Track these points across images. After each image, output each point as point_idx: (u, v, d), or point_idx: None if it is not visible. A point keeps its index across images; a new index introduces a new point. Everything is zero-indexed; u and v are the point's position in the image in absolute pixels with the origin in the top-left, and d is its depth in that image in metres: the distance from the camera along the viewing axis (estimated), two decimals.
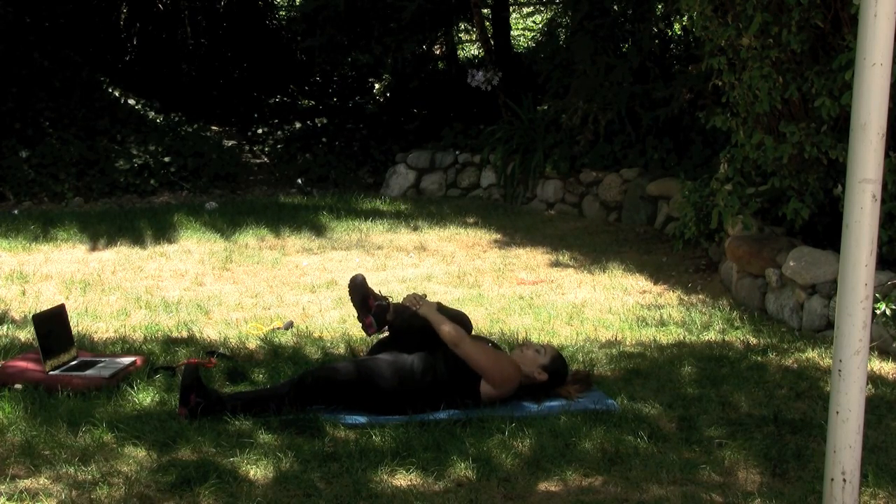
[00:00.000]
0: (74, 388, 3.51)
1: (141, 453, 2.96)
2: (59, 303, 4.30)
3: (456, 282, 5.84)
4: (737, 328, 4.70)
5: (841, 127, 4.67)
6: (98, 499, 2.64)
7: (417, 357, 3.44)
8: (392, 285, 5.54)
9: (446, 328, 3.48)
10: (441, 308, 3.66)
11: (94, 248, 6.83)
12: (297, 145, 11.36)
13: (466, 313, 3.81)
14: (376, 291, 3.76)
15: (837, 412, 2.09)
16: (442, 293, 5.43)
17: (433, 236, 7.40)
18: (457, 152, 9.78)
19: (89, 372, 3.65)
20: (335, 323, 4.77)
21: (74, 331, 4.06)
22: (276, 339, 4.39)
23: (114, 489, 2.70)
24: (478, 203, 9.17)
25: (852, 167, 2.05)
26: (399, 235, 7.42)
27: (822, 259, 4.59)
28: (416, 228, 7.68)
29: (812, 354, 4.17)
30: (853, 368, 2.07)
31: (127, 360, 3.82)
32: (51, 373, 3.61)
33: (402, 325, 3.63)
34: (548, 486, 2.81)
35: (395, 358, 3.45)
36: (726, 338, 4.52)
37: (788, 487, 2.80)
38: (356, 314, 3.74)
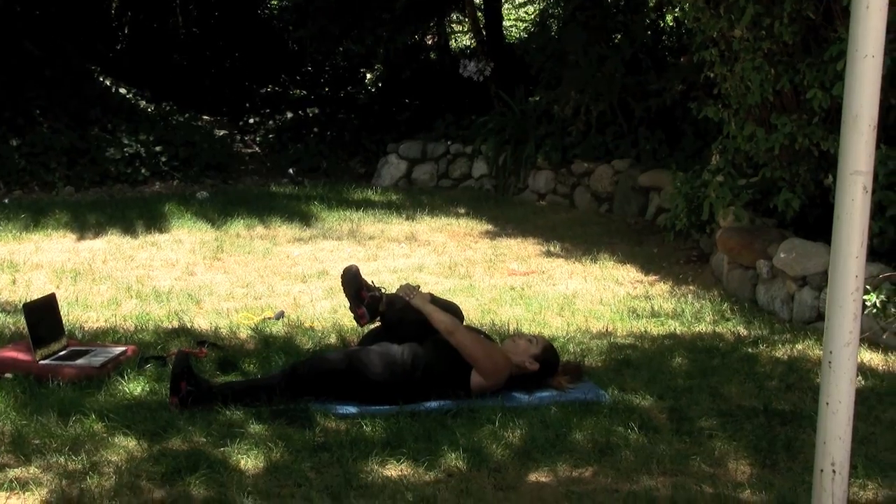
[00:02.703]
0: (65, 378, 3.49)
1: (131, 443, 2.95)
2: (50, 292, 4.27)
3: (447, 272, 5.83)
4: (728, 319, 4.70)
5: (832, 118, 4.67)
6: (88, 488, 2.63)
7: (408, 348, 3.44)
8: (383, 275, 5.52)
9: (440, 317, 3.48)
10: (433, 299, 3.66)
11: (84, 238, 6.80)
12: (289, 135, 11.32)
13: (458, 304, 3.81)
14: (369, 282, 3.75)
15: (827, 403, 2.08)
16: (433, 283, 5.42)
17: (424, 227, 7.38)
18: (448, 143, 9.76)
19: (80, 361, 3.63)
20: (326, 313, 4.75)
21: (65, 320, 4.04)
22: (268, 329, 4.37)
23: (104, 479, 2.69)
24: (469, 193, 9.15)
25: (844, 159, 2.03)
26: (390, 226, 7.41)
27: (813, 251, 4.59)
28: (407, 219, 7.66)
29: (802, 346, 4.17)
30: (843, 360, 2.06)
31: (118, 349, 3.80)
32: (41, 362, 3.59)
33: (395, 316, 3.62)
34: (538, 476, 2.80)
35: (385, 349, 3.44)
36: (717, 329, 4.52)
37: (778, 478, 2.80)
38: (349, 305, 3.72)
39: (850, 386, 2.07)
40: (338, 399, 3.34)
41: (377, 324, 3.73)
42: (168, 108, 11.19)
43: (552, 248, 6.57)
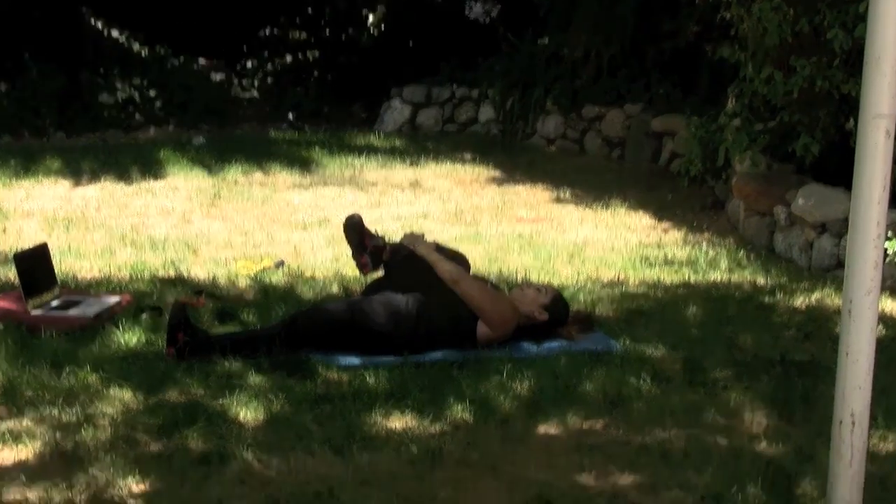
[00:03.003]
0: (58, 328, 3.42)
1: (127, 395, 2.88)
2: (42, 241, 4.17)
3: (453, 220, 5.74)
4: (744, 268, 4.63)
5: (853, 61, 4.54)
6: (83, 441, 2.57)
7: (412, 298, 3.35)
8: (387, 223, 5.42)
9: (445, 266, 3.40)
10: (439, 248, 3.57)
11: (77, 185, 6.68)
12: (288, 79, 11.13)
13: (464, 253, 3.73)
14: (372, 231, 3.65)
15: (847, 353, 2.04)
16: (438, 231, 5.32)
17: (429, 173, 7.27)
18: (454, 86, 9.57)
19: (73, 311, 3.56)
20: (328, 262, 4.66)
21: (57, 269, 3.95)
22: (267, 279, 4.28)
23: (99, 431, 2.63)
24: (475, 139, 9.00)
25: (866, 102, 1.97)
26: (394, 172, 7.29)
27: (833, 197, 4.52)
28: (411, 164, 7.54)
29: (821, 294, 4.11)
30: (864, 309, 2.01)
31: (112, 299, 3.72)
32: (33, 312, 3.51)
33: (399, 265, 3.54)
34: (547, 428, 2.74)
35: (389, 299, 3.35)
36: (733, 277, 4.45)
37: (795, 430, 2.74)
38: (351, 253, 3.65)
39: (871, 335, 2.04)
40: (340, 350, 3.25)
41: (380, 273, 3.63)
42: (162, 51, 10.95)
43: (562, 195, 6.47)
